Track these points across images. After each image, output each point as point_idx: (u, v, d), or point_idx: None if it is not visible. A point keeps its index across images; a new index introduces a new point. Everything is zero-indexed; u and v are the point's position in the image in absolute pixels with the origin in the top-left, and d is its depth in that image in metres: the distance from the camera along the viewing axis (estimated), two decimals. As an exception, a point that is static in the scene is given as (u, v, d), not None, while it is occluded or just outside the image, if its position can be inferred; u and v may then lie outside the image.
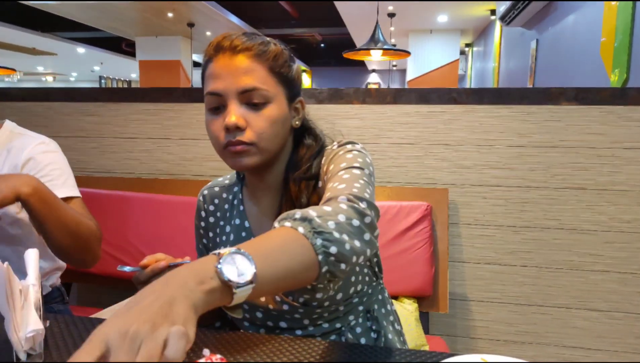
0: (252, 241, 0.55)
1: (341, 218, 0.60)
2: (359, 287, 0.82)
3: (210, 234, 0.94)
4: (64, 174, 1.14)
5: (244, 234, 0.87)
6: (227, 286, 0.47)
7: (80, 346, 0.40)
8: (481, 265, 1.69)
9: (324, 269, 0.57)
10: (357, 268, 0.81)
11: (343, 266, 0.58)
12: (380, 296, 0.88)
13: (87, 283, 1.88)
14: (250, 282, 0.48)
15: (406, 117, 1.70)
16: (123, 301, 1.43)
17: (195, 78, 10.14)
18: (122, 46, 11.51)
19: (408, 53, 6.49)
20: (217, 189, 0.96)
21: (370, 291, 0.85)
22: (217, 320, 0.93)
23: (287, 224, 0.58)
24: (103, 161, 1.92)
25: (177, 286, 0.44)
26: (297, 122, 0.84)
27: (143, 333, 0.40)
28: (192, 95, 1.84)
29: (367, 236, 0.63)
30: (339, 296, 0.79)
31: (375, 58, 6.24)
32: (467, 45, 10.86)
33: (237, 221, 0.88)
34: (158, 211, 1.70)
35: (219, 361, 0.49)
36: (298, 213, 0.59)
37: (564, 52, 4.19)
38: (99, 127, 1.92)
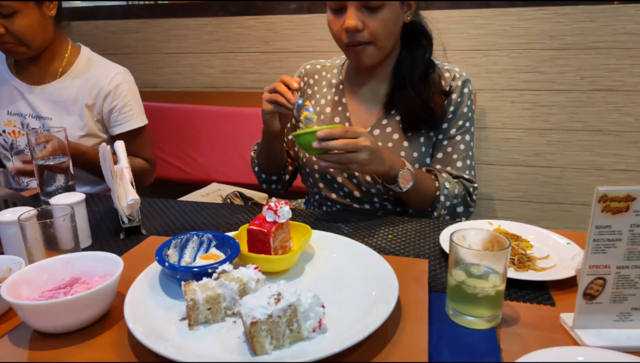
0: (418, 172, 0.90)
1: (459, 195, 0.95)
2: None
3: None
4: (138, 104, 1.33)
5: (340, 108, 1.03)
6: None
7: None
8: (506, 167, 1.79)
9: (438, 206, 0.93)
10: None
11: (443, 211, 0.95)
12: None
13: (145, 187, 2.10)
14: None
15: (436, 23, 1.71)
16: (195, 192, 1.62)
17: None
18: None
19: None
20: (318, 67, 1.10)
21: None
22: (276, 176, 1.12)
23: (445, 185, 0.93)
24: (150, 77, 2.06)
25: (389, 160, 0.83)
26: (408, 18, 0.94)
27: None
28: (228, 9, 1.90)
29: (471, 209, 0.98)
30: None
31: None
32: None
33: (336, 98, 1.04)
34: (204, 120, 1.85)
35: (283, 205, 0.64)
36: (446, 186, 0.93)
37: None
38: (143, 43, 2.03)
